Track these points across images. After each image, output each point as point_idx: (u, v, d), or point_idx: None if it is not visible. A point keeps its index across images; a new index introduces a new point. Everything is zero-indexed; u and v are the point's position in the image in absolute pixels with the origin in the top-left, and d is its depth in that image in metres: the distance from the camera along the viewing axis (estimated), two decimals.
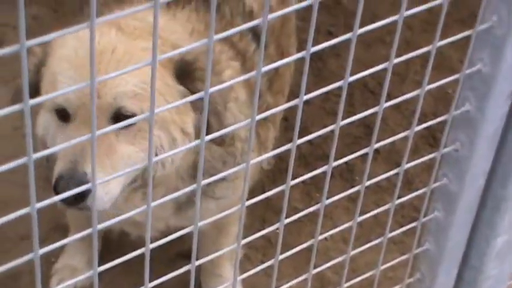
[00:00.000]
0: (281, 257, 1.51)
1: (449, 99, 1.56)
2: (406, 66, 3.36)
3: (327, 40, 1.24)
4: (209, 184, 2.09)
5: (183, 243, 2.64)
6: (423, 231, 1.73)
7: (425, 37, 3.40)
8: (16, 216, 1.05)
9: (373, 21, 1.26)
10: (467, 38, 1.40)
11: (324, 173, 1.44)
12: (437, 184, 1.62)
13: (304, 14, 2.82)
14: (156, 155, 1.87)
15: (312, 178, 1.46)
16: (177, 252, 2.77)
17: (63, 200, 1.74)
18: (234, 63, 2.19)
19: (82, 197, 1.77)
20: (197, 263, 1.37)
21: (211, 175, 1.33)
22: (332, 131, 1.37)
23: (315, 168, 1.44)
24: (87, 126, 1.81)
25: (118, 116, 1.85)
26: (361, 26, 1.23)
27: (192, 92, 1.92)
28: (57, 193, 1.76)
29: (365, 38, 1.28)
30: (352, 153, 1.48)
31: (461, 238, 1.68)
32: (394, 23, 1.28)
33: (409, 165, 1.55)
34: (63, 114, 1.89)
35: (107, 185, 1.81)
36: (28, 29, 0.93)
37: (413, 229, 1.70)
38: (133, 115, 1.85)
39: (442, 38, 1.36)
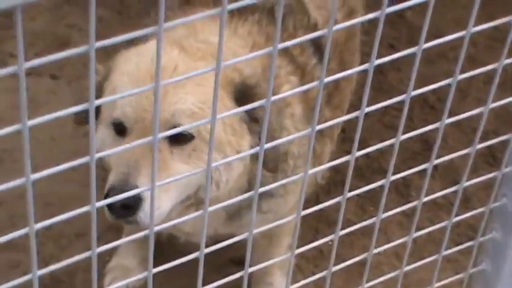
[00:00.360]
0: (333, 269, 1.51)
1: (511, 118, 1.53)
2: (468, 82, 3.33)
3: (388, 53, 1.23)
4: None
5: (234, 250, 2.64)
6: (479, 251, 1.70)
7: (490, 54, 3.35)
8: (76, 214, 1.07)
9: (437, 37, 1.25)
10: None
11: (380, 186, 1.43)
12: (496, 204, 1.60)
13: (367, 28, 2.81)
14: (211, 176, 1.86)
15: (366, 191, 1.45)
16: (229, 259, 2.77)
17: (112, 212, 1.79)
18: (292, 78, 2.18)
19: (132, 210, 1.77)
20: (250, 270, 1.37)
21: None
22: (390, 145, 1.37)
23: (371, 181, 1.43)
24: (142, 146, 1.81)
25: (175, 134, 1.84)
26: (425, 41, 1.22)
27: (250, 117, 1.92)
28: (108, 206, 1.78)
29: (427, 53, 1.27)
30: (408, 168, 1.47)
31: None
32: (459, 39, 1.27)
33: (468, 183, 1.53)
34: (120, 129, 1.90)
35: (157, 201, 1.78)
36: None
37: (469, 248, 1.68)
38: (189, 134, 1.85)
39: (508, 55, 1.35)
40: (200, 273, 1.26)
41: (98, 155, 1.00)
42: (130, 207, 1.77)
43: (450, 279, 1.76)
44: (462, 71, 1.32)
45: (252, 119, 1.95)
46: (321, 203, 1.40)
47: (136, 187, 1.74)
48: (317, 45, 2.28)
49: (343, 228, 1.45)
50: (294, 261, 2.63)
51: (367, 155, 1.33)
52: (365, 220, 1.51)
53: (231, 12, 2.15)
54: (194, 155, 1.87)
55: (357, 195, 1.44)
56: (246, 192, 2.04)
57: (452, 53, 3.43)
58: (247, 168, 2.01)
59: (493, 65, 1.35)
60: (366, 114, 1.28)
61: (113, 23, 3.51)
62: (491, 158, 3.11)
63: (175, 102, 1.84)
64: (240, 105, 1.90)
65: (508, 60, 1.35)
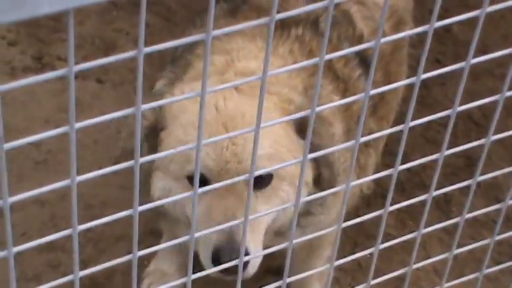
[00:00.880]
0: (372, 282, 1.50)
1: None
2: None
3: (434, 68, 1.22)
4: (311, 203, 2.11)
5: (273, 260, 2.64)
6: None
7: None
8: (117, 217, 1.08)
9: (483, 52, 1.25)
10: None
11: (421, 201, 1.42)
12: None
13: (414, 41, 2.79)
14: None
15: (407, 206, 1.44)
16: (267, 268, 2.77)
17: (224, 271, 1.73)
18: (335, 97, 2.18)
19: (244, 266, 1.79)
20: (288, 280, 1.37)
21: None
22: (433, 160, 1.36)
23: (412, 196, 1.42)
24: (229, 191, 1.85)
25: (257, 178, 1.82)
26: (473, 56, 1.21)
27: (311, 145, 1.95)
28: (217, 263, 1.81)
29: (473, 68, 1.27)
30: (450, 183, 1.46)
31: None
32: (506, 55, 1.26)
33: (511, 201, 1.52)
34: (201, 181, 1.88)
35: (257, 249, 1.87)
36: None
37: (510, 267, 1.66)
38: (269, 175, 1.92)
39: None
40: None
41: (141, 160, 1.00)
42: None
43: None
44: (509, 88, 1.31)
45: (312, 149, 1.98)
46: (361, 215, 1.39)
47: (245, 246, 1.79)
48: (362, 57, 2.27)
49: (382, 242, 1.44)
50: (333, 273, 2.62)
51: (408, 169, 1.32)
52: (405, 235, 1.50)
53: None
54: (273, 195, 1.94)
55: (398, 209, 1.44)
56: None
57: (499, 70, 3.39)
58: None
59: None
60: (410, 128, 1.27)
61: (159, 30, 3.54)
62: None
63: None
64: (301, 136, 1.96)
65: None
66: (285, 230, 2.18)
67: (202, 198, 1.91)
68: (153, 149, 1.98)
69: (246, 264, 1.84)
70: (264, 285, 1.36)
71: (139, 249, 1.15)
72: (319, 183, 2.02)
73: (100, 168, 1.05)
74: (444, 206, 3.00)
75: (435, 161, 1.35)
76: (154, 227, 2.88)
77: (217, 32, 0.95)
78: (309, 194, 2.02)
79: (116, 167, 1.02)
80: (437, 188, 1.42)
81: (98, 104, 3.25)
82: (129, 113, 0.95)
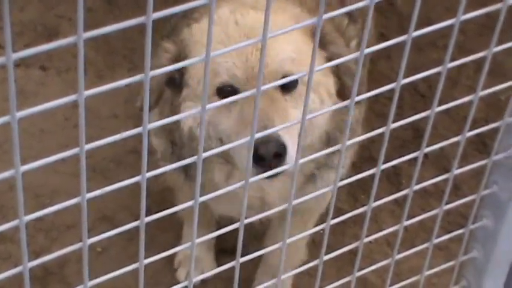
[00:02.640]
0: (325, 257, 1.51)
1: (502, 106, 1.54)
2: (458, 70, 3.33)
3: (379, 42, 1.23)
4: (329, 155, 2.15)
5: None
6: (470, 239, 1.71)
7: (479, 41, 3.36)
8: (66, 205, 1.06)
9: (427, 25, 1.25)
10: None
11: (371, 175, 1.43)
12: (487, 191, 1.60)
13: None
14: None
15: (358, 180, 1.45)
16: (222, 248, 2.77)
17: (263, 164, 1.84)
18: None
19: (281, 157, 1.85)
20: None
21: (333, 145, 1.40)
22: (381, 134, 1.37)
23: (362, 170, 1.43)
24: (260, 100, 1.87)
25: (285, 83, 1.92)
26: (415, 29, 1.22)
27: (327, 55, 2.03)
28: (259, 159, 1.82)
29: (417, 41, 1.28)
30: (399, 156, 1.47)
31: (509, 247, 1.66)
32: (448, 27, 1.26)
33: (458, 171, 1.53)
34: (226, 95, 1.93)
35: (293, 147, 1.88)
36: (83, 21, 0.93)
37: (460, 236, 1.69)
38: (295, 82, 1.97)
39: (498, 43, 1.34)
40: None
41: (87, 146, 0.99)
42: (280, 155, 1.85)
43: (441, 267, 1.77)
44: (452, 59, 1.32)
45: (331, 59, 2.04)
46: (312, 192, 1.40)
47: (279, 135, 1.85)
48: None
49: (334, 217, 1.45)
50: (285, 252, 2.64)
51: (357, 143, 1.33)
52: (356, 209, 1.51)
53: None
54: (300, 100, 1.98)
55: (348, 183, 1.45)
56: (324, 144, 2.10)
57: (442, 41, 3.43)
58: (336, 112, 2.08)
59: (482, 52, 1.35)
60: (357, 102, 1.28)
61: (102, 14, 3.50)
62: (481, 146, 3.12)
63: (277, 53, 1.95)
64: (320, 47, 1.99)
65: (498, 48, 1.35)
66: (310, 174, 2.24)
67: (232, 110, 1.96)
68: (178, 90, 2.05)
69: (283, 158, 1.86)
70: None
71: (91, 237, 1.14)
72: (343, 94, 2.07)
73: (48, 157, 1.03)
74: (394, 179, 3.03)
75: (382, 134, 1.36)
76: (106, 213, 2.86)
77: None
78: (332, 121, 2.10)
79: (62, 155, 1.00)
80: (386, 161, 1.43)
81: (43, 92, 3.22)
82: (72, 100, 0.94)
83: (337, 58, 1.74)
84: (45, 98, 3.14)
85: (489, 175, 1.58)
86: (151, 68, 1.02)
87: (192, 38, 2.05)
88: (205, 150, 1.21)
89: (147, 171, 1.13)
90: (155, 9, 0.96)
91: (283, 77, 1.93)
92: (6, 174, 1.01)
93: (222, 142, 1.99)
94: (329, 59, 2.02)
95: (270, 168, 1.79)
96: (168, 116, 1.16)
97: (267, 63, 1.94)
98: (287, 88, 1.96)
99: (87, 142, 1.04)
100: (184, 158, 1.21)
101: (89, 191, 1.09)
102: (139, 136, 1.09)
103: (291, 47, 1.98)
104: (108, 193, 1.12)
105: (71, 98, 0.97)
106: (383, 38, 3.39)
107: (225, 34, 1.99)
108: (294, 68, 1.96)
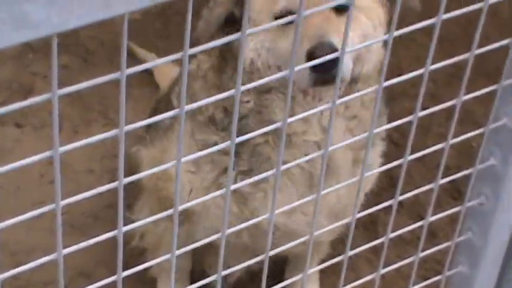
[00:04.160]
0: None
1: (474, 153, 1.55)
2: (429, 118, 3.36)
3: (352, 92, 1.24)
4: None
5: None
6: (447, 285, 1.70)
7: (450, 90, 3.40)
8: (42, 262, 1.05)
9: (398, 75, 1.27)
10: (492, 93, 1.40)
11: (348, 224, 1.43)
12: (461, 238, 1.61)
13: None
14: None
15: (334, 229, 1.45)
16: None
17: (318, 69, 1.89)
18: None
19: (334, 63, 1.83)
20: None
21: None
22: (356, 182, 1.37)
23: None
24: (314, 18, 1.93)
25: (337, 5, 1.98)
26: (386, 79, 1.23)
27: None
28: (313, 67, 1.87)
29: (389, 90, 1.29)
30: (375, 204, 1.47)
31: None
32: (419, 76, 1.28)
33: (433, 218, 1.54)
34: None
35: (347, 57, 1.94)
36: (59, 78, 0.94)
37: (437, 283, 1.68)
38: (345, 5, 1.96)
39: (467, 91, 1.36)
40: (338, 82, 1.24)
41: (63, 202, 0.99)
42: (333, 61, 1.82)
43: None
44: (423, 108, 1.33)
45: None
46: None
47: (333, 42, 1.91)
48: None
49: (311, 267, 1.44)
50: None
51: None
52: (334, 257, 1.51)
53: None
54: (354, 22, 1.99)
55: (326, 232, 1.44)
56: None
57: (414, 90, 3.46)
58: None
59: (452, 101, 1.36)
60: (331, 151, 1.28)
61: (78, 70, 3.51)
62: (455, 193, 3.13)
63: None
64: None
65: (467, 96, 1.37)
66: (360, 148, 2.24)
67: (289, 34, 1.99)
68: (238, 26, 2.10)
69: (337, 61, 1.89)
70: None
71: None
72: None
73: (24, 213, 1.03)
74: (370, 227, 3.03)
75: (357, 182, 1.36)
76: (84, 269, 2.83)
77: None
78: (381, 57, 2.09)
79: (37, 211, 1.00)
80: (362, 209, 1.44)
81: (19, 149, 3.20)
82: (48, 155, 0.93)
83: None
84: (21, 154, 3.12)
85: (463, 222, 1.59)
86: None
87: None
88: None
89: (124, 225, 1.12)
90: (128, 66, 0.96)
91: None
92: None
93: (280, 71, 2.01)
94: None
95: (326, 69, 1.88)
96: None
97: None
98: (341, 11, 2.00)
99: (63, 198, 1.03)
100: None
101: (65, 246, 1.08)
102: (115, 191, 1.08)
103: None
104: (85, 248, 1.11)
105: (46, 154, 0.96)
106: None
107: None
108: None
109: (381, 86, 1.23)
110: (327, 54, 1.74)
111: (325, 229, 1.41)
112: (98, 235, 1.12)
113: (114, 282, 1.20)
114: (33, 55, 3.55)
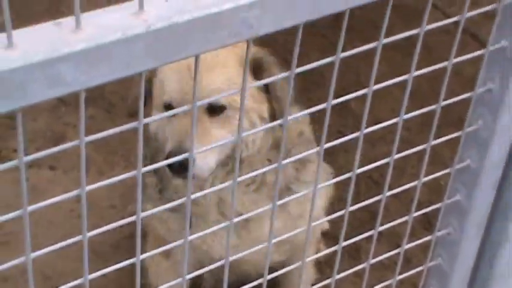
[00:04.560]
0: None
1: (442, 190, 1.55)
2: (404, 161, 3.34)
3: (337, 138, 1.24)
4: (299, 170, 2.22)
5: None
6: None
7: (421, 136, 3.40)
8: (71, 286, 1.04)
9: (376, 123, 1.27)
10: (458, 138, 1.40)
11: (335, 251, 1.42)
12: (432, 263, 1.60)
13: (318, 117, 2.84)
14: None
15: (324, 255, 1.44)
16: None
17: (173, 171, 1.95)
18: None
19: (187, 166, 1.88)
20: None
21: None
22: (341, 216, 1.37)
23: (328, 246, 1.43)
24: (187, 116, 1.97)
25: (212, 107, 2.03)
26: (366, 126, 1.23)
27: (265, 87, 2.08)
28: (169, 167, 1.93)
29: (369, 136, 1.30)
30: (358, 234, 1.47)
31: None
32: (395, 124, 1.28)
33: (408, 246, 1.53)
34: (169, 109, 2.04)
35: (205, 157, 1.98)
36: (86, 127, 0.94)
37: None
38: (223, 106, 2.04)
39: (436, 137, 1.36)
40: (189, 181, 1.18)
41: (89, 234, 0.98)
42: (186, 165, 1.90)
43: None
44: (399, 151, 1.33)
45: (266, 90, 2.10)
46: (284, 267, 1.38)
47: (186, 150, 1.90)
48: None
49: None
50: None
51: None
52: (322, 281, 1.50)
53: None
54: (227, 121, 2.04)
55: (316, 259, 1.44)
56: (276, 154, 2.13)
57: (390, 137, 3.47)
58: (268, 131, 2.14)
59: (422, 146, 1.36)
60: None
61: (102, 120, 3.52)
62: (427, 224, 3.12)
63: (208, 84, 2.01)
64: (255, 76, 2.05)
65: (436, 141, 1.37)
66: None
67: (170, 122, 2.05)
68: (149, 100, 2.16)
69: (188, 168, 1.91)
70: None
71: None
72: (275, 118, 2.11)
73: (55, 244, 1.02)
74: (354, 254, 3.01)
75: (342, 216, 1.36)
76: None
77: None
78: (265, 135, 2.12)
79: (67, 242, 0.99)
80: (347, 239, 1.43)
81: (52, 188, 3.19)
82: (76, 194, 0.93)
83: (272, 86, 1.98)
84: (53, 193, 3.11)
85: (434, 249, 1.58)
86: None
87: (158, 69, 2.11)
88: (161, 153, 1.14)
89: (141, 253, 1.11)
90: (146, 115, 0.97)
91: (210, 104, 2.01)
92: (18, 260, 0.99)
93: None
94: (265, 87, 2.09)
95: (179, 173, 1.93)
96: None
97: (198, 91, 1.97)
98: (214, 112, 2.03)
99: (89, 230, 1.03)
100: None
101: (91, 272, 1.07)
102: (133, 223, 1.08)
103: (222, 78, 2.04)
104: (107, 274, 1.10)
105: (74, 192, 0.96)
106: (340, 134, 3.43)
107: (177, 63, 2.02)
108: (223, 99, 2.02)
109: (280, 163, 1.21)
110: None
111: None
112: (118, 262, 1.11)
113: None
114: (65, 108, 3.56)
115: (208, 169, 2.01)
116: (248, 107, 2.06)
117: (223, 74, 2.04)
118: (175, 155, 1.85)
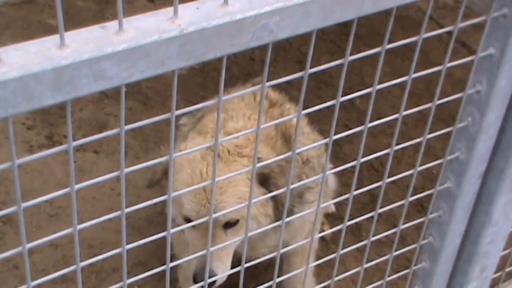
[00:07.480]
0: None
1: (434, 178, 1.54)
2: (402, 152, 3.34)
3: (343, 131, 1.24)
4: (302, 194, 2.17)
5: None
6: (413, 277, 1.68)
7: (417, 131, 3.38)
8: (111, 254, 1.05)
9: (378, 118, 1.26)
10: (449, 133, 1.39)
11: (340, 230, 1.42)
12: (424, 241, 1.59)
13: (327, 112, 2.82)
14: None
15: (330, 234, 1.44)
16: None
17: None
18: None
19: (212, 284, 1.98)
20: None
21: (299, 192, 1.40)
22: (346, 199, 1.36)
23: (333, 226, 1.42)
24: (206, 233, 1.97)
25: (228, 223, 2.03)
26: (369, 121, 1.23)
27: (270, 191, 2.02)
28: (195, 282, 1.97)
29: (371, 130, 1.30)
30: (360, 215, 1.46)
31: (442, 282, 1.64)
32: (395, 119, 1.28)
33: (403, 226, 1.53)
34: (189, 222, 2.01)
35: (223, 271, 2.01)
36: (125, 117, 0.94)
37: (406, 275, 1.66)
38: (237, 220, 2.02)
39: (430, 132, 1.35)
40: None
41: (127, 210, 0.98)
42: (212, 283, 1.98)
43: None
44: (397, 143, 1.33)
45: (273, 199, 2.06)
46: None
47: (212, 271, 1.99)
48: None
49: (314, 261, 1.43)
50: None
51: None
52: (328, 255, 1.50)
53: None
54: (241, 229, 2.04)
55: (321, 237, 1.43)
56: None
57: (390, 130, 3.45)
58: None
59: (418, 139, 1.36)
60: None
61: (139, 111, 3.53)
62: (420, 207, 3.10)
63: (223, 206, 1.98)
64: (262, 186, 2.02)
65: (430, 136, 1.36)
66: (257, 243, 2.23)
67: (190, 232, 2.03)
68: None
69: (214, 281, 1.97)
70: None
71: (129, 278, 1.12)
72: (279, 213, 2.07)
73: (98, 217, 1.03)
74: (356, 232, 3.00)
75: (347, 199, 1.36)
76: (142, 259, 2.82)
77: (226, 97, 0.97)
78: (271, 223, 2.07)
79: (109, 216, 1.00)
80: (351, 219, 1.43)
81: (95, 170, 3.21)
82: (116, 174, 0.93)
83: (278, 197, 1.94)
84: (97, 173, 3.14)
85: (426, 229, 1.57)
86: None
87: (170, 166, 2.03)
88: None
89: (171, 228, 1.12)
90: (177, 108, 0.97)
91: (226, 222, 2.01)
92: (66, 231, 1.00)
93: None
94: (272, 197, 2.03)
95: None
96: None
97: (214, 212, 1.93)
98: (229, 226, 2.03)
99: (127, 206, 1.03)
100: None
101: (128, 243, 1.08)
102: (164, 201, 1.08)
103: (235, 199, 2.00)
104: (142, 244, 1.11)
105: (115, 173, 0.96)
106: (346, 128, 3.42)
107: (191, 180, 2.01)
108: (237, 214, 2.00)
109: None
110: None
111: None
112: (152, 235, 1.12)
113: (164, 270, 1.20)
114: (107, 100, 3.57)
115: (226, 276, 2.03)
116: (256, 213, 2.04)
117: (235, 193, 2.00)
118: (200, 277, 1.95)
